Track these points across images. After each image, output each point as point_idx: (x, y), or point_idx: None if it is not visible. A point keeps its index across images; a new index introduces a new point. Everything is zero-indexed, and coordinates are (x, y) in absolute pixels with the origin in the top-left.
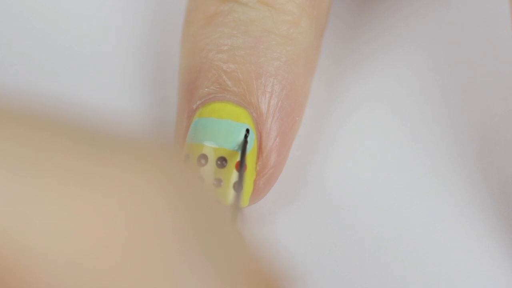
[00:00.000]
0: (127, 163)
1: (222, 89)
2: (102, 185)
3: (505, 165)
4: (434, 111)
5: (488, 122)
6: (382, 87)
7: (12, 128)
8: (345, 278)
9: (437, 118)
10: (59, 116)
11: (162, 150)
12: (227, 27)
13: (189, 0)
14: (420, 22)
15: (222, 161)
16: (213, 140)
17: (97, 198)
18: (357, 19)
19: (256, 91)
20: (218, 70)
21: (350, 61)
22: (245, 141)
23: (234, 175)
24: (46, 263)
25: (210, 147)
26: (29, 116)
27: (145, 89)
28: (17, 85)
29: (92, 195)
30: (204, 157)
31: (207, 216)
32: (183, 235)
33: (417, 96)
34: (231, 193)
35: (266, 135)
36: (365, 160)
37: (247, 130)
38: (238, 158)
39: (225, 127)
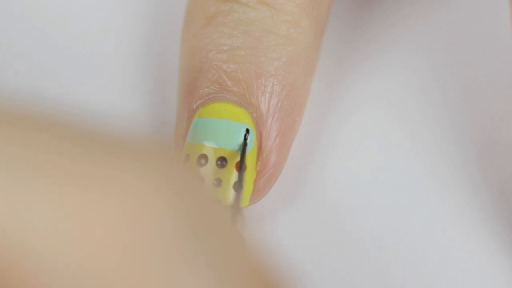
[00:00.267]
0: (126, 165)
1: (222, 89)
2: (101, 186)
3: (505, 165)
4: (434, 111)
5: (488, 122)
6: (382, 87)
7: (11, 130)
8: (345, 278)
9: (437, 118)
10: (58, 118)
11: (161, 151)
12: (227, 27)
13: (189, 0)
14: (420, 22)
15: (222, 161)
16: (213, 140)
17: (96, 200)
18: (357, 19)
19: (256, 91)
20: (218, 70)
21: (350, 61)
22: (244, 142)
23: (234, 175)
24: (45, 264)
25: (210, 147)
26: (28, 117)
27: (145, 89)
28: (17, 85)
29: (91, 197)
30: (204, 157)
31: (206, 217)
32: (183, 236)
33: (417, 96)
34: (231, 193)
35: (266, 135)
36: (365, 160)
37: (247, 130)
38: (238, 158)
39: (225, 127)
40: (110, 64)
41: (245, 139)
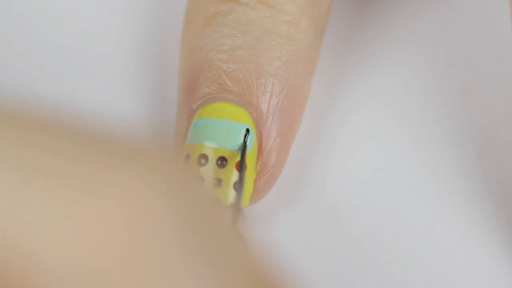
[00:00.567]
0: (126, 166)
1: (222, 89)
2: (100, 187)
3: (505, 165)
4: (434, 111)
5: (488, 122)
6: (382, 87)
7: (11, 130)
8: (345, 278)
9: (437, 118)
10: (58, 118)
11: (161, 152)
12: (227, 27)
13: (189, 0)
14: (420, 22)
15: (222, 161)
16: (213, 140)
17: (96, 200)
18: (357, 19)
19: (256, 91)
20: (218, 70)
21: (350, 61)
22: (244, 142)
23: (235, 175)
24: (45, 265)
25: (210, 147)
26: (27, 118)
27: (145, 89)
28: (17, 85)
29: (91, 198)
30: (204, 157)
31: (206, 217)
32: (183, 236)
33: (417, 96)
34: (232, 193)
35: (266, 135)
36: (365, 160)
37: (247, 130)
38: (238, 158)
39: (225, 127)
40: (110, 64)
41: (245, 139)
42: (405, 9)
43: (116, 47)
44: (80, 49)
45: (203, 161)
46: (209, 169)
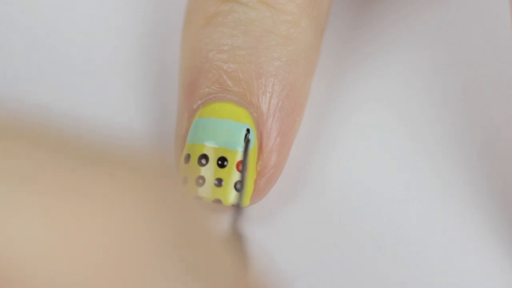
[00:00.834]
0: (110, 178)
1: (223, 89)
2: (83, 199)
3: (505, 164)
4: (434, 111)
5: (488, 122)
6: (382, 87)
7: None
8: (345, 278)
9: (437, 118)
10: (46, 126)
11: (149, 162)
12: (227, 27)
13: (189, 0)
14: (420, 22)
15: (223, 161)
16: (213, 140)
17: (77, 212)
18: (357, 19)
19: (256, 91)
20: (218, 70)
21: (350, 61)
22: (247, 141)
23: (235, 175)
24: (29, 277)
25: (210, 147)
26: (9, 126)
27: (145, 89)
28: (14, 87)
29: (72, 208)
30: (205, 157)
31: (188, 229)
32: (163, 247)
33: (417, 96)
34: (233, 192)
35: (266, 135)
36: (365, 160)
37: (248, 130)
38: (238, 158)
39: (225, 127)
40: (110, 64)
41: (246, 139)
42: (405, 9)
43: (115, 47)
44: (79, 49)
45: (203, 161)
46: (210, 169)
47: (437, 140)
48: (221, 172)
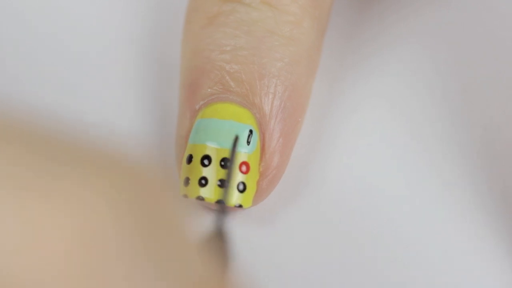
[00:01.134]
0: (82, 177)
1: (225, 90)
2: (53, 200)
3: (505, 164)
4: (435, 111)
5: (488, 122)
6: (382, 86)
7: None
8: (346, 277)
9: (437, 117)
10: (25, 125)
11: (125, 161)
12: (229, 28)
13: (190, 0)
14: (420, 22)
15: (225, 162)
16: (215, 141)
17: (46, 212)
18: (357, 19)
19: (259, 92)
20: (221, 71)
21: (351, 61)
22: (235, 138)
23: (238, 176)
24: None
25: (213, 148)
26: None
27: (145, 89)
28: (13, 86)
29: (41, 210)
30: (208, 158)
31: (156, 229)
32: (128, 244)
33: (418, 95)
34: (236, 193)
35: (269, 136)
36: (366, 159)
37: (250, 131)
38: (241, 159)
39: (227, 128)
40: (110, 65)
41: (248, 140)
42: (405, 9)
43: (116, 47)
44: (80, 49)
45: (206, 161)
46: (213, 170)
47: (438, 140)
48: (224, 173)
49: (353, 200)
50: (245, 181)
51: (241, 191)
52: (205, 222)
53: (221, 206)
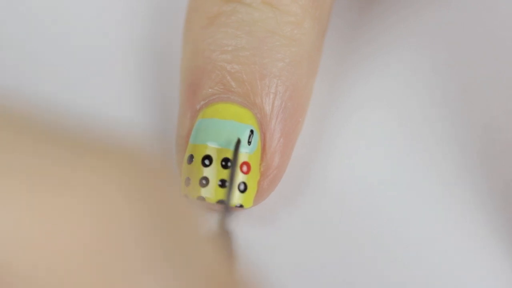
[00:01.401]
0: (97, 167)
1: (226, 90)
2: (66, 189)
3: (505, 164)
4: (435, 111)
5: (488, 122)
6: (383, 87)
7: None
8: (346, 277)
9: (438, 118)
10: (39, 118)
11: (140, 154)
12: (230, 28)
13: (190, 0)
14: (420, 22)
15: (226, 162)
16: (216, 141)
17: (60, 203)
18: (358, 20)
19: (260, 92)
20: (222, 71)
21: (352, 61)
22: (237, 141)
23: (239, 176)
24: (13, 267)
25: (214, 148)
26: (2, 116)
27: (145, 89)
28: (16, 82)
29: (55, 200)
30: (209, 158)
31: (171, 221)
32: (144, 237)
33: (418, 96)
34: (236, 193)
35: (270, 136)
36: (366, 159)
37: (251, 131)
38: (242, 159)
39: (228, 128)
40: (111, 64)
41: (249, 140)
42: (406, 10)
43: (116, 47)
44: (80, 49)
45: (207, 162)
46: (214, 170)
47: (438, 140)
48: (225, 173)
49: (353, 199)
50: (246, 181)
51: (242, 191)
52: (210, 221)
53: (223, 206)
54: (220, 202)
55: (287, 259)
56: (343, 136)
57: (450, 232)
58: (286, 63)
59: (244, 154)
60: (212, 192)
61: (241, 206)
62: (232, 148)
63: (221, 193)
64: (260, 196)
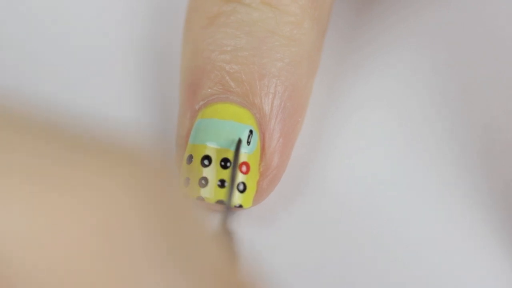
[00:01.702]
0: (101, 168)
1: (225, 90)
2: (66, 189)
3: (505, 165)
4: (435, 111)
5: (488, 122)
6: (383, 87)
7: None
8: (346, 277)
9: (437, 118)
10: (39, 118)
11: (143, 154)
12: (230, 28)
13: (190, 0)
14: (420, 22)
15: (225, 162)
16: (215, 141)
17: (61, 202)
18: (357, 20)
19: (259, 92)
20: (221, 71)
21: (351, 61)
22: (238, 141)
23: (238, 176)
24: (19, 267)
25: (213, 148)
26: (2, 116)
27: (145, 89)
28: (16, 82)
29: (62, 200)
30: (208, 158)
31: (177, 220)
32: (150, 237)
33: (417, 96)
34: (236, 193)
35: (269, 136)
36: (366, 159)
37: (250, 131)
38: (242, 159)
39: (227, 128)
40: (110, 64)
41: (248, 140)
42: (405, 10)
43: (116, 47)
44: (80, 49)
45: (206, 162)
46: (213, 171)
47: (438, 140)
48: (224, 173)
49: (353, 199)
50: (245, 181)
51: (241, 191)
52: (212, 220)
53: (222, 206)
54: (219, 202)
55: (287, 259)
56: (343, 136)
57: (450, 232)
58: (286, 63)
59: (243, 154)
60: (211, 192)
61: (240, 206)
62: (232, 148)
63: (220, 193)
64: (259, 196)
